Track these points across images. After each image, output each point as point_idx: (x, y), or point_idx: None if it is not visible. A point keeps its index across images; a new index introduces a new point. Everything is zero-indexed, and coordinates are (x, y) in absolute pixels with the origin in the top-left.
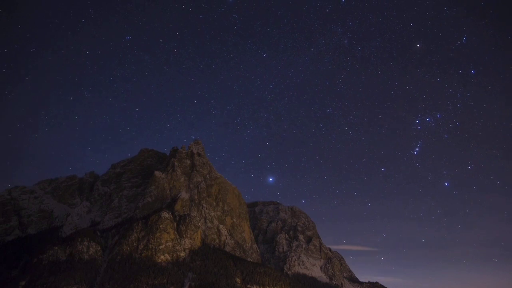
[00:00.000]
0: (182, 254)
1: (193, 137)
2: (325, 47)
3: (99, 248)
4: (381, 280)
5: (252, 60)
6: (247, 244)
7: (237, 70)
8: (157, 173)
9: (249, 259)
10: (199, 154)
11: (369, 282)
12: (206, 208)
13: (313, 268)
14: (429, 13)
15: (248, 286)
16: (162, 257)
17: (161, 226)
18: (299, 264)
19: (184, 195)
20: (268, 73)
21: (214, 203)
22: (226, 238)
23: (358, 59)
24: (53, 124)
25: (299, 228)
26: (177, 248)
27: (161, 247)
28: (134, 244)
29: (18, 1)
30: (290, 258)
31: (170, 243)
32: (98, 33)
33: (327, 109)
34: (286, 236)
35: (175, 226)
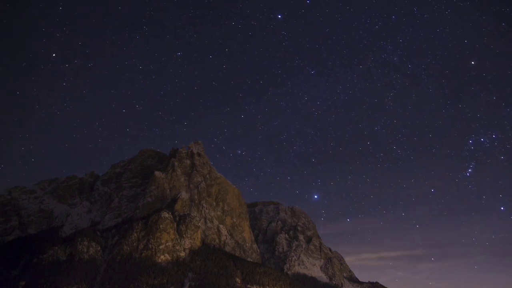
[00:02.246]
0: (182, 254)
1: (239, 151)
2: (374, 64)
3: (99, 248)
4: None
5: (300, 76)
6: (247, 244)
7: (285, 87)
8: (157, 173)
9: (249, 259)
10: (199, 154)
11: (369, 282)
12: (206, 208)
13: (313, 268)
14: (485, 29)
15: (248, 286)
16: (162, 257)
17: (161, 226)
18: (299, 264)
19: (184, 195)
20: (316, 89)
21: (214, 203)
22: (226, 238)
23: (408, 76)
24: (106, 135)
25: (299, 228)
26: (177, 248)
27: (161, 247)
28: (134, 244)
29: (80, 21)
30: (290, 258)
31: (170, 243)
32: (151, 49)
33: (375, 127)
34: (286, 236)
35: (175, 226)
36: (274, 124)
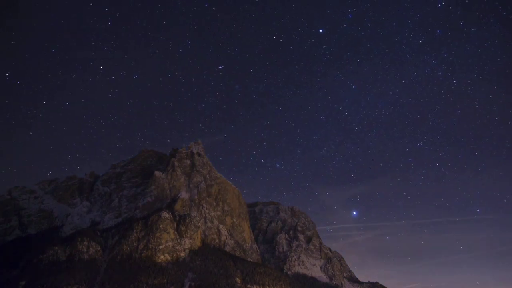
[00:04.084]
0: (182, 254)
1: (277, 165)
2: (417, 79)
3: (99, 248)
4: None
5: (341, 91)
6: (247, 244)
7: (325, 101)
8: (157, 173)
9: (249, 259)
10: (199, 154)
11: (369, 282)
12: (206, 208)
13: (313, 268)
14: None
15: (248, 286)
16: (162, 257)
17: (161, 226)
18: (299, 264)
19: (184, 195)
20: (356, 104)
21: (214, 203)
22: (226, 238)
23: (453, 91)
24: (147, 146)
25: (299, 228)
26: (177, 248)
27: (161, 247)
28: (134, 244)
29: (127, 35)
30: (290, 258)
31: (170, 243)
32: (193, 62)
33: (417, 143)
34: (286, 236)
35: (175, 226)
36: (314, 138)
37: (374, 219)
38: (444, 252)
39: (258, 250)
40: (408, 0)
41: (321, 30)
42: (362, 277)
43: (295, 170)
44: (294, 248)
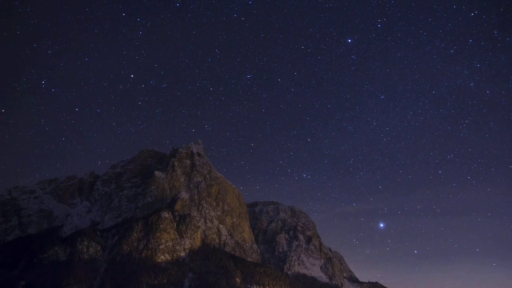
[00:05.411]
0: (182, 254)
1: (304, 175)
2: (448, 89)
3: (99, 248)
4: None
5: (369, 101)
6: (247, 244)
7: (353, 111)
8: (157, 173)
9: (249, 259)
10: (199, 154)
11: (369, 282)
12: (206, 208)
13: (313, 268)
14: None
15: (248, 286)
16: (162, 257)
17: (161, 226)
18: (299, 264)
19: (184, 195)
20: (385, 115)
21: (214, 203)
22: (226, 238)
23: (486, 103)
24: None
25: (299, 228)
26: (177, 248)
27: (161, 247)
28: (134, 244)
29: (157, 44)
30: (290, 258)
31: (170, 243)
32: (222, 71)
33: (448, 155)
34: (286, 236)
35: (175, 226)
36: (341, 148)
37: (401, 232)
38: (474, 269)
39: (258, 250)
40: (439, 9)
41: (349, 40)
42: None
43: (322, 180)
44: (294, 248)
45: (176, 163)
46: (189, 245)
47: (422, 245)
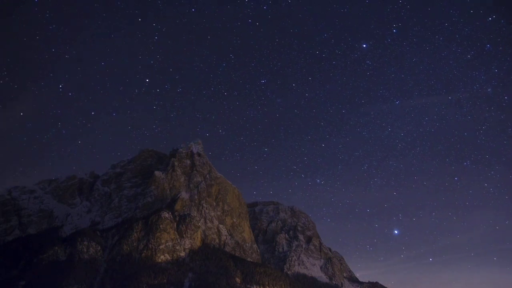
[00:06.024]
0: (182, 254)
1: (318, 180)
2: (465, 95)
3: (99, 248)
4: None
5: (384, 107)
6: (247, 244)
7: (367, 116)
8: (157, 173)
9: (249, 259)
10: (199, 154)
11: (369, 282)
12: (206, 208)
13: (313, 268)
14: None
15: (248, 286)
16: (162, 257)
17: (161, 226)
18: (299, 264)
19: (184, 195)
20: (400, 120)
21: (214, 203)
22: (226, 238)
23: (504, 108)
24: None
25: (299, 228)
26: (177, 248)
27: (161, 247)
28: (134, 244)
29: (172, 49)
30: (290, 258)
31: (170, 243)
32: (236, 76)
33: (464, 162)
34: (286, 236)
35: (175, 226)
36: (355, 154)
37: (416, 239)
38: (492, 278)
39: (258, 250)
40: (456, 14)
41: (364, 45)
42: None
43: (336, 186)
44: (294, 248)
45: (176, 163)
46: (189, 245)
47: (438, 253)
